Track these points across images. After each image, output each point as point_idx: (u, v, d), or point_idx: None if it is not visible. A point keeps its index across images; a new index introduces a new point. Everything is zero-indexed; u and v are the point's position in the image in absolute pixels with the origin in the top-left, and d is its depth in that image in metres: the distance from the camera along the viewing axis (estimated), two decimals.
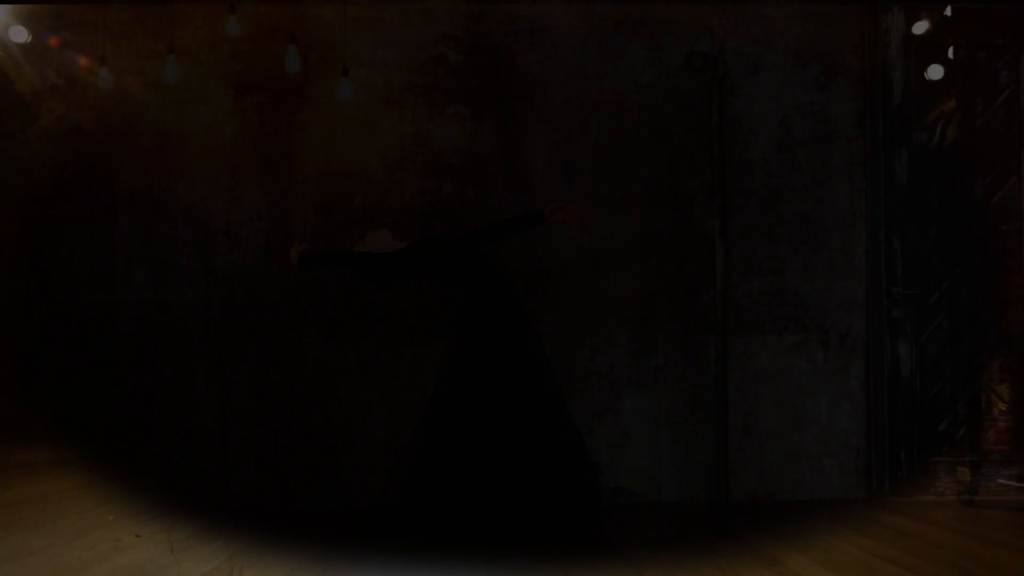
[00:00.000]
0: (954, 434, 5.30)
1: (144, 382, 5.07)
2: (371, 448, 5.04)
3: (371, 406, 5.09)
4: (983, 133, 5.35)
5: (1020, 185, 5.35)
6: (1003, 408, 5.22)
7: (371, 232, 4.61)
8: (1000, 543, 4.13)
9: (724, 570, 3.56)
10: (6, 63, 5.02)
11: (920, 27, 5.21)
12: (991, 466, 5.29)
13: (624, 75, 5.25)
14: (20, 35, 4.96)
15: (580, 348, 5.19)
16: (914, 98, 5.32)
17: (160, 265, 5.10)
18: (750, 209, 5.26)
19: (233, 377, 5.09)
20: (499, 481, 4.07)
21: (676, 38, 5.26)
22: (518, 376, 4.21)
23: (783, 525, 4.58)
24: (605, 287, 5.19)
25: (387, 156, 5.16)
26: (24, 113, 5.07)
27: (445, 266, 4.43)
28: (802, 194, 5.27)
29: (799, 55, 5.29)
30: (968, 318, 5.32)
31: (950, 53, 5.35)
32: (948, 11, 5.22)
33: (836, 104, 5.30)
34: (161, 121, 5.12)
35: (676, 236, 5.24)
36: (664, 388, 5.21)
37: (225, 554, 3.85)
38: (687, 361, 5.23)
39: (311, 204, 5.14)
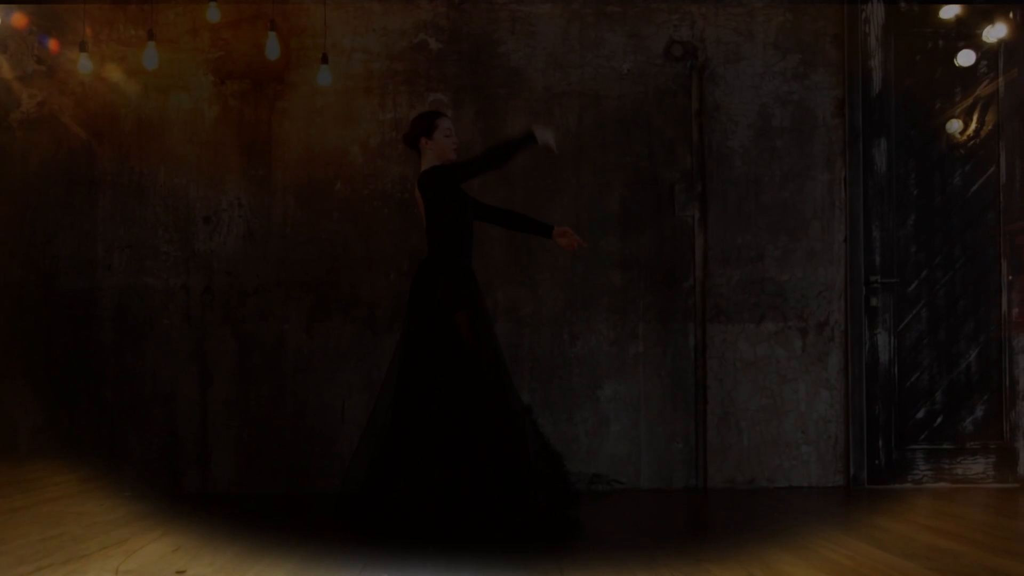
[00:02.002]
0: (932, 422, 5.33)
1: (125, 367, 5.09)
2: (351, 433, 5.06)
3: (351, 391, 5.12)
4: (961, 123, 5.38)
5: (999, 175, 5.37)
6: None
7: None
8: None
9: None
10: None
11: (966, 58, 5.25)
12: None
13: (604, 64, 5.28)
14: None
15: (560, 335, 5.21)
16: (895, 88, 5.35)
17: (141, 251, 5.13)
18: (729, 197, 5.29)
19: (213, 362, 5.11)
20: (459, 469, 4.03)
21: (656, 27, 5.28)
22: (468, 359, 4.15)
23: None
24: (584, 274, 5.22)
25: (368, 143, 5.18)
26: (5, 99, 5.09)
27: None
28: (781, 183, 5.30)
29: (779, 45, 5.32)
30: (946, 307, 5.35)
31: (929, 46, 5.38)
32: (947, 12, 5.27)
33: (815, 93, 5.32)
34: (142, 108, 5.14)
35: (656, 224, 5.26)
36: (643, 375, 5.24)
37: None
38: (666, 349, 5.25)
39: (291, 191, 5.16)
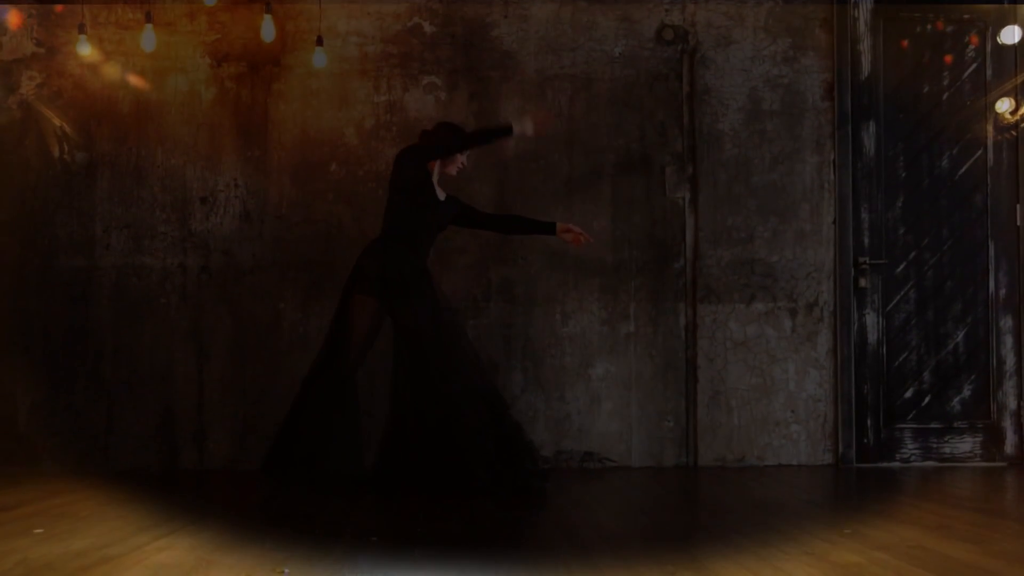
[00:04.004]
0: (920, 401, 5.39)
1: (123, 345, 5.16)
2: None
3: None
4: (950, 106, 5.44)
5: (986, 157, 5.43)
6: None
7: None
8: None
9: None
10: None
11: (1009, 35, 5.29)
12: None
13: (596, 47, 5.34)
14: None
15: (552, 315, 5.28)
16: (883, 70, 5.42)
17: (139, 230, 5.20)
18: (720, 179, 5.35)
19: (210, 341, 5.18)
20: (431, 443, 4.33)
21: (647, 11, 5.35)
22: (432, 339, 4.44)
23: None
24: (577, 254, 5.28)
25: (362, 125, 5.25)
26: (5, 81, 5.16)
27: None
28: (771, 165, 5.36)
29: (769, 29, 5.38)
30: (934, 288, 5.41)
31: (918, 30, 5.44)
32: None
33: (805, 77, 5.39)
34: (140, 89, 5.21)
35: (647, 205, 5.33)
36: (635, 355, 5.30)
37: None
38: (657, 328, 5.32)
39: (287, 172, 5.23)
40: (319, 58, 5.04)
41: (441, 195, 4.65)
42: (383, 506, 4.12)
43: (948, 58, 5.43)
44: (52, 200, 5.18)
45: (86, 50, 4.98)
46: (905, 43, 5.43)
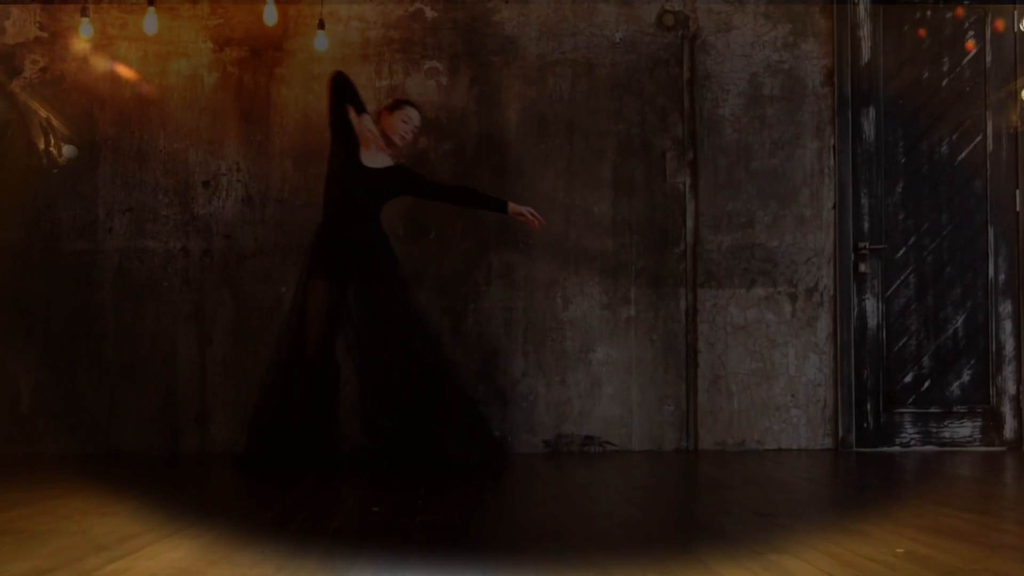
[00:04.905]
0: (919, 386, 5.41)
1: (125, 328, 5.18)
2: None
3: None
4: (949, 92, 5.46)
5: (985, 143, 5.45)
6: None
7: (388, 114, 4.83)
8: None
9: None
10: None
11: None
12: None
13: (597, 33, 5.36)
14: None
15: (552, 299, 5.30)
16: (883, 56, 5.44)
17: (141, 214, 5.21)
18: (720, 164, 5.37)
19: (212, 324, 5.20)
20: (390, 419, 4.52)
21: None
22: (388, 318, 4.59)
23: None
24: (577, 239, 5.30)
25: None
26: (8, 65, 5.18)
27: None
28: (771, 150, 5.38)
29: (769, 15, 5.40)
30: (934, 273, 5.43)
31: (918, 15, 5.46)
32: None
33: (805, 63, 5.41)
34: (143, 73, 5.22)
35: (647, 190, 5.35)
36: (635, 339, 5.32)
37: None
38: (658, 313, 5.33)
39: (289, 156, 5.25)
40: (321, 41, 5.06)
41: (381, 162, 4.72)
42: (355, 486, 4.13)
43: (948, 44, 5.45)
44: (55, 183, 5.19)
45: (89, 33, 5.00)
46: (905, 29, 5.45)
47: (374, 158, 4.72)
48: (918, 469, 4.75)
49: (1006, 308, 5.42)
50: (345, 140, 4.68)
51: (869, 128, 5.43)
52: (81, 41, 5.11)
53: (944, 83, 5.46)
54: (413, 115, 4.81)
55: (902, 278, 5.43)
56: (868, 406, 5.37)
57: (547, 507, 3.63)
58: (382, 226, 4.77)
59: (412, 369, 4.52)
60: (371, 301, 4.60)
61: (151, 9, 4.97)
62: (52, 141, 5.17)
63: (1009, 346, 5.41)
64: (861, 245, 5.38)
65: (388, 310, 4.57)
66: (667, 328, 5.34)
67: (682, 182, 5.38)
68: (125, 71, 5.20)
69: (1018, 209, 5.42)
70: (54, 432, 5.11)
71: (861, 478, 4.47)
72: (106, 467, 4.66)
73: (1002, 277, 5.42)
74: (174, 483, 4.37)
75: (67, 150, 5.13)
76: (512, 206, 4.80)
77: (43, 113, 5.15)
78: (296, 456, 4.51)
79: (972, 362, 5.41)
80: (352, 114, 4.62)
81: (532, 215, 4.80)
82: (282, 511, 3.43)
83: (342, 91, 4.63)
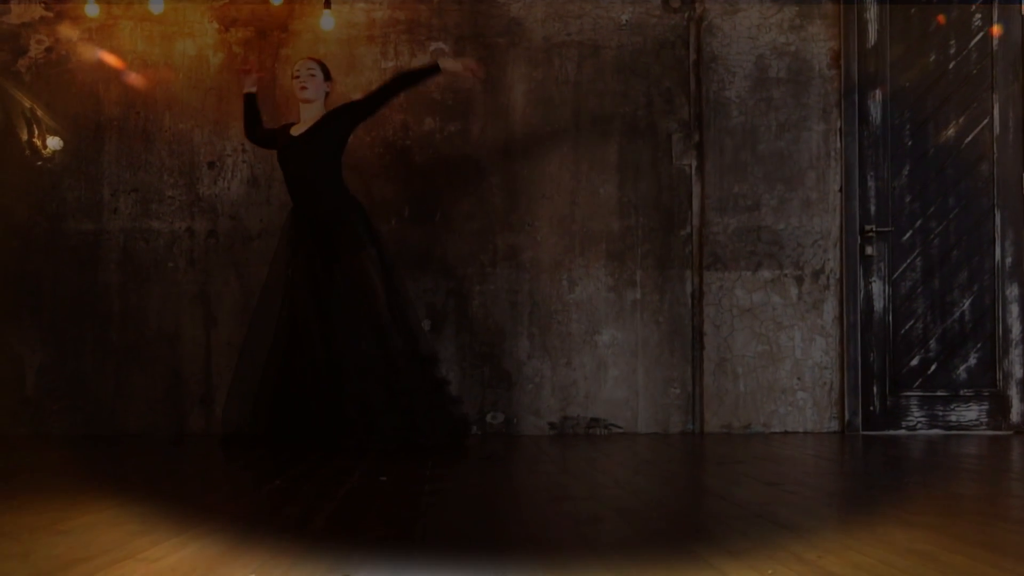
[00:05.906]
0: (926, 370, 5.39)
1: (130, 308, 5.17)
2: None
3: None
4: (956, 75, 5.45)
5: (992, 126, 5.44)
6: None
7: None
8: None
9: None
10: None
11: None
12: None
13: (603, 14, 5.35)
14: None
15: (558, 281, 5.29)
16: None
17: (147, 194, 5.21)
18: (726, 147, 5.35)
19: (218, 305, 5.19)
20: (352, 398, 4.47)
21: None
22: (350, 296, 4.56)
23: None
24: (584, 221, 5.29)
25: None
26: (14, 45, 5.17)
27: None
28: (777, 133, 5.37)
29: None
30: (940, 256, 5.42)
31: None
32: None
33: (812, 45, 5.39)
34: (148, 54, 5.22)
35: (654, 172, 5.34)
36: (641, 322, 5.31)
37: None
38: (664, 295, 5.32)
39: None
40: (327, 21, 5.05)
41: (313, 119, 4.66)
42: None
43: (955, 27, 5.44)
44: (60, 164, 5.18)
45: (95, 12, 4.99)
46: (912, 11, 5.44)
47: (306, 124, 4.68)
48: (925, 449, 4.73)
49: (1013, 291, 5.40)
50: (279, 133, 4.77)
51: (876, 111, 5.42)
52: (86, 21, 5.10)
53: (951, 66, 5.45)
54: (301, 68, 4.68)
55: (908, 261, 5.42)
56: (875, 389, 5.36)
57: (556, 478, 3.62)
58: (344, 198, 4.64)
59: (377, 351, 4.48)
60: (340, 280, 4.55)
61: None
62: (36, 132, 5.15)
63: (1016, 329, 5.40)
64: (867, 228, 5.37)
65: (357, 288, 4.53)
66: (673, 311, 5.33)
67: (688, 164, 5.36)
68: (130, 52, 5.18)
69: None
70: (59, 413, 5.10)
71: (866, 463, 4.46)
72: (105, 448, 4.65)
73: (1009, 260, 5.41)
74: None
75: (52, 142, 5.10)
76: (443, 63, 4.64)
77: (27, 103, 5.12)
78: (276, 435, 4.58)
79: (979, 345, 5.40)
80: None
81: (468, 67, 4.67)
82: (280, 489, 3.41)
83: (250, 108, 4.89)
